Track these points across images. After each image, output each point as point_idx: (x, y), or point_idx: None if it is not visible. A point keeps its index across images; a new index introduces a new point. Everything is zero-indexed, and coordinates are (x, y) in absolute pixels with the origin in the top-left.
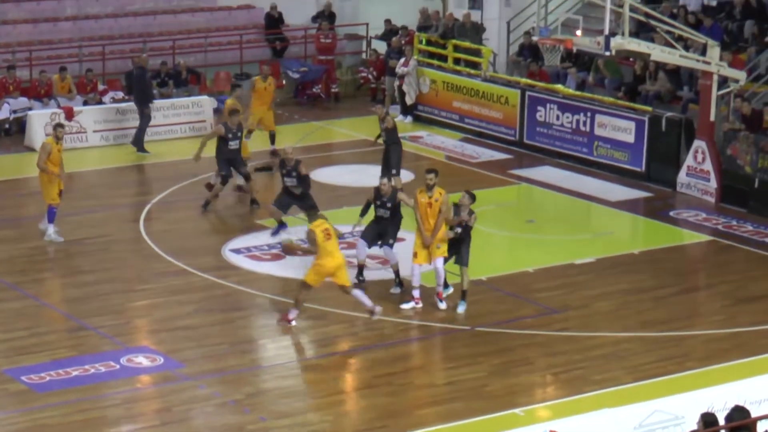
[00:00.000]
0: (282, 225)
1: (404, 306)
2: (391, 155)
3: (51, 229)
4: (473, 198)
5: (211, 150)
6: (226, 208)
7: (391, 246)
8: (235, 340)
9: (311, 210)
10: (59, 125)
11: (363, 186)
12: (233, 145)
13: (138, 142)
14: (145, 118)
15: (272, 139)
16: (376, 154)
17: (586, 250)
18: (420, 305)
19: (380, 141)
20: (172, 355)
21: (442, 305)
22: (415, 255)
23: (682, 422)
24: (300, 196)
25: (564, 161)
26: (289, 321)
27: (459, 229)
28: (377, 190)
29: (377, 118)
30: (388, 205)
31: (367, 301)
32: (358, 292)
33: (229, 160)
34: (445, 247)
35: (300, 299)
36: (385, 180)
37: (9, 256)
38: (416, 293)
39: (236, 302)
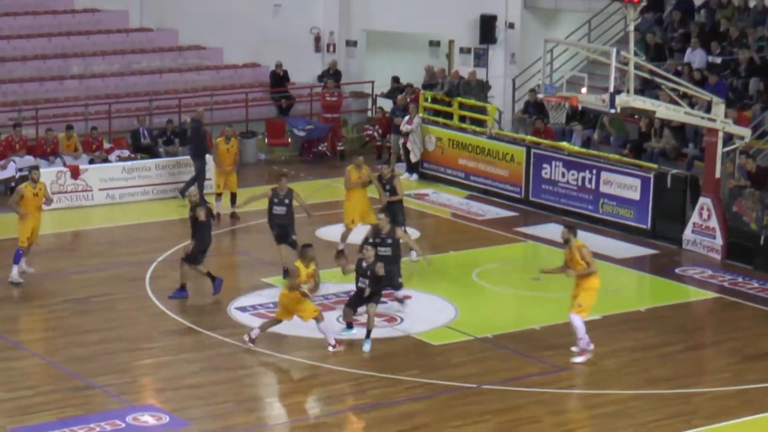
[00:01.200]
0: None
1: (577, 360)
2: (396, 213)
3: (14, 270)
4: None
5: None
6: (231, 267)
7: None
8: (241, 398)
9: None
10: (34, 167)
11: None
12: (278, 210)
13: (183, 192)
14: (198, 172)
15: (233, 200)
16: None
17: (593, 307)
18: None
19: (385, 197)
20: (178, 413)
21: (578, 359)
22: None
23: None
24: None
25: (570, 218)
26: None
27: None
28: (375, 228)
29: (381, 176)
30: (388, 241)
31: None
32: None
33: (278, 225)
34: (586, 309)
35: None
36: (382, 216)
37: (14, 314)
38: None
39: (242, 360)
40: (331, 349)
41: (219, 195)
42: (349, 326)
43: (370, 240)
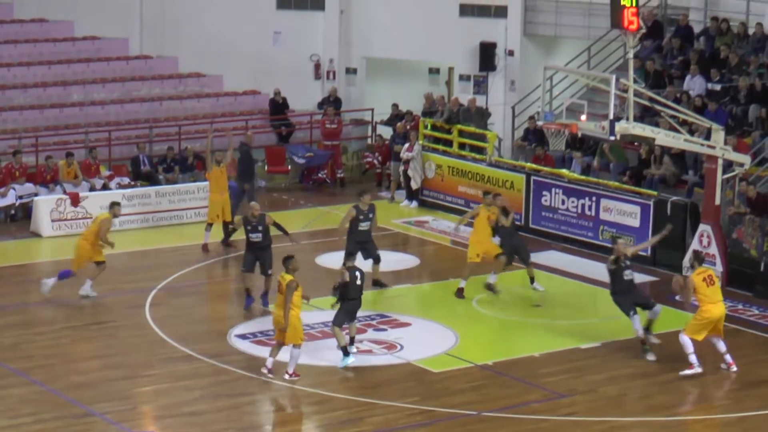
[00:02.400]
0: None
1: (684, 372)
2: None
3: (51, 282)
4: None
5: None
6: (231, 294)
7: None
8: (240, 426)
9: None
10: (116, 203)
11: (371, 271)
12: (363, 226)
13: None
14: (247, 193)
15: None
16: (385, 239)
17: (593, 334)
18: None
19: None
20: None
21: (685, 372)
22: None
23: None
24: (264, 248)
25: (570, 245)
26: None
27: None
28: (617, 254)
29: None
30: (627, 263)
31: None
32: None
33: (359, 242)
34: (688, 329)
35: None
36: (622, 241)
37: (15, 342)
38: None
39: (242, 388)
40: (287, 376)
41: (210, 225)
42: (345, 354)
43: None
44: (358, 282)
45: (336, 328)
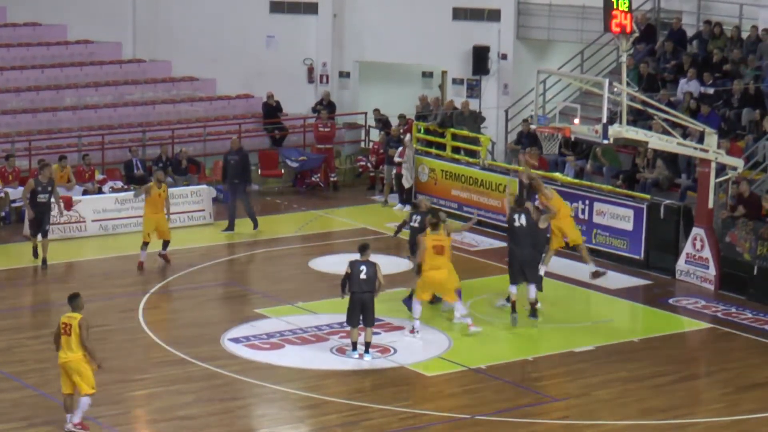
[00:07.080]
0: None
1: None
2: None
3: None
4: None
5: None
6: (222, 299)
7: None
8: (233, 430)
9: None
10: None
11: None
12: (42, 198)
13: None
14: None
15: (164, 246)
16: (378, 242)
17: (586, 338)
18: None
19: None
20: None
21: None
22: None
23: None
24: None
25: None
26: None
27: None
28: None
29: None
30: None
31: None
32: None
33: (40, 212)
34: None
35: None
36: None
37: (8, 345)
38: None
39: (235, 392)
40: (70, 426)
41: (146, 244)
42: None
43: None
44: (363, 276)
45: (352, 330)
